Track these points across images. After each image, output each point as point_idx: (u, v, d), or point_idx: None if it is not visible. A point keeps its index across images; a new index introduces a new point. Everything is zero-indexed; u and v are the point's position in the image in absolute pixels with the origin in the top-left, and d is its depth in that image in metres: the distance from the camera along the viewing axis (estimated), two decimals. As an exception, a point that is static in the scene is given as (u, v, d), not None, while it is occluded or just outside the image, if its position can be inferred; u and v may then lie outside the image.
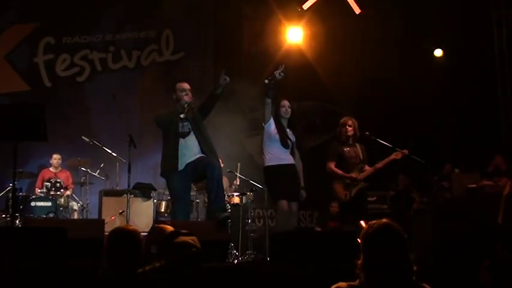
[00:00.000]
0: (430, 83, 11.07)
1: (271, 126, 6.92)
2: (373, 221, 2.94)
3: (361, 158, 7.57)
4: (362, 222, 3.35)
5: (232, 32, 11.98)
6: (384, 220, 2.91)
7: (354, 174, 7.46)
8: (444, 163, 10.12)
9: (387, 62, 10.76)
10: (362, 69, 11.04)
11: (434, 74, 11.20)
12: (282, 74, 6.56)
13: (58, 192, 9.38)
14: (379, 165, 7.56)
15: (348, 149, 7.58)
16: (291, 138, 7.00)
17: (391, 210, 9.98)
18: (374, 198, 9.83)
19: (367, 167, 7.56)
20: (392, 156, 7.57)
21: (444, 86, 11.21)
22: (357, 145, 7.66)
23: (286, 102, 7.01)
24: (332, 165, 7.56)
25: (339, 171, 7.49)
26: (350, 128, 7.57)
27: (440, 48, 11.62)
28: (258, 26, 11.86)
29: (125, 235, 3.39)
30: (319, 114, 12.64)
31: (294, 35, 10.93)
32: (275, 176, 6.83)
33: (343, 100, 11.85)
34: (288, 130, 7.00)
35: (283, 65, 6.55)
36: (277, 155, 6.87)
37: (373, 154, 7.86)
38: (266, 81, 6.74)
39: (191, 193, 7.56)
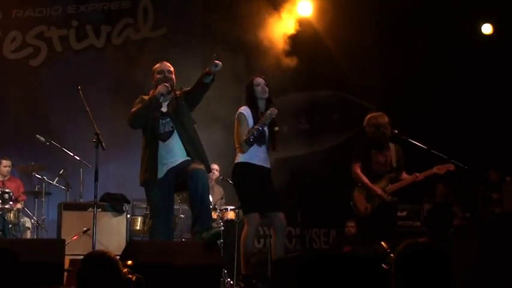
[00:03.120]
0: (474, 67, 11.14)
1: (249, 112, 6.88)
2: (409, 241, 2.96)
3: (394, 165, 7.65)
4: (383, 244, 3.37)
5: (227, 1, 12.00)
6: (423, 239, 2.92)
7: (379, 187, 7.57)
8: (489, 169, 10.22)
9: (420, 42, 10.83)
10: (389, 52, 11.12)
11: (481, 56, 11.27)
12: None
13: (6, 206, 9.36)
14: (416, 178, 7.64)
15: (377, 152, 7.68)
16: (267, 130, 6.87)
17: (427, 227, 10.07)
18: (404, 213, 9.91)
19: (405, 175, 7.69)
20: (434, 170, 7.68)
21: (492, 72, 11.27)
22: (392, 147, 7.74)
23: (261, 80, 6.90)
24: (358, 168, 7.65)
25: (364, 179, 7.59)
26: (371, 130, 7.67)
27: (489, 23, 11.67)
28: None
29: (103, 263, 3.39)
30: (338, 107, 12.72)
31: (304, 8, 11.07)
32: (251, 176, 6.74)
33: (366, 89, 11.93)
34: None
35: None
36: (257, 152, 6.79)
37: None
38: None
39: (175, 206, 7.61)
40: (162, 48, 11.59)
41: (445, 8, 11.25)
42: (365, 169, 7.63)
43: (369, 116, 7.79)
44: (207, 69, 6.35)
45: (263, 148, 6.79)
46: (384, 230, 7.18)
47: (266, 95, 6.87)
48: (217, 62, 6.29)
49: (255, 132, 6.64)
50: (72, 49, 11.98)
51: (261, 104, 6.87)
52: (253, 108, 6.81)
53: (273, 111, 6.66)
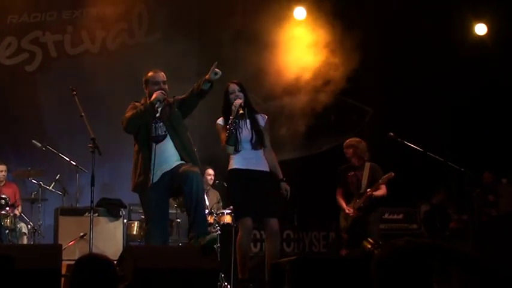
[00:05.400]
0: (469, 69, 11.15)
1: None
2: (387, 244, 2.99)
3: (364, 184, 8.47)
4: (366, 243, 3.40)
5: (221, 6, 12.00)
6: (398, 242, 2.92)
7: (347, 208, 8.58)
8: (484, 171, 10.25)
9: (417, 44, 10.86)
10: (385, 53, 11.15)
11: (475, 57, 11.29)
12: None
13: (3, 211, 9.40)
14: (370, 192, 8.48)
15: (352, 173, 8.63)
16: (249, 132, 6.86)
17: (425, 229, 10.16)
18: (400, 216, 10.00)
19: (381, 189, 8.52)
20: (380, 181, 8.46)
21: (487, 74, 11.29)
22: (366, 167, 8.54)
23: (235, 86, 6.88)
24: (337, 193, 8.76)
25: (339, 201, 8.71)
26: (349, 151, 8.62)
27: (483, 23, 11.68)
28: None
29: (97, 265, 3.38)
30: (335, 110, 12.73)
31: (299, 12, 11.21)
32: (241, 182, 6.78)
33: (364, 92, 11.96)
34: (242, 122, 6.83)
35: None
36: (245, 156, 6.81)
37: (399, 160, 8.05)
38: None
39: (171, 210, 7.62)
40: (156, 54, 11.59)
41: (440, 8, 11.29)
42: (345, 191, 8.70)
43: (346, 141, 8.77)
44: (207, 76, 6.40)
45: (248, 151, 6.80)
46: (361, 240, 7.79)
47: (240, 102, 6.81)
48: (217, 70, 6.36)
49: (230, 129, 6.67)
50: (67, 54, 11.98)
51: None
52: (228, 116, 6.80)
53: (236, 102, 6.71)
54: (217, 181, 9.94)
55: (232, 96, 6.84)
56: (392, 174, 8.35)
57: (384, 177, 8.36)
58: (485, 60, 11.25)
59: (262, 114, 7.06)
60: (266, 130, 6.99)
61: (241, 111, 6.68)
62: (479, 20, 11.65)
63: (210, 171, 10.08)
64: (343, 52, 11.43)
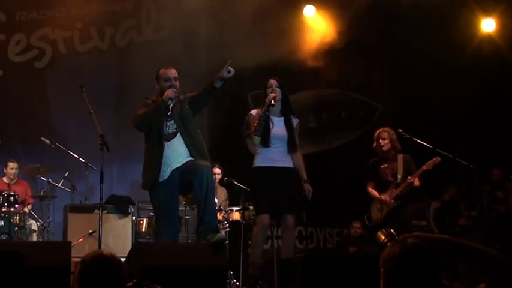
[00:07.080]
0: (478, 65, 11.11)
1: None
2: (396, 240, 2.98)
3: (399, 175, 8.07)
4: (381, 234, 3.38)
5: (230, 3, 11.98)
6: (407, 238, 2.92)
7: (384, 196, 8.11)
8: (493, 168, 10.22)
9: (425, 40, 10.84)
10: (394, 50, 11.13)
11: (484, 53, 11.25)
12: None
13: (12, 208, 9.36)
14: (411, 179, 8.06)
15: (385, 165, 8.20)
16: (281, 130, 6.96)
17: (435, 226, 10.16)
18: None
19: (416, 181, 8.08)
20: (424, 168, 8.04)
21: (496, 69, 11.26)
22: (399, 158, 8.13)
23: (273, 82, 6.97)
24: (368, 187, 8.29)
25: (373, 192, 8.21)
26: (385, 142, 8.14)
27: (491, 18, 11.61)
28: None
29: (103, 263, 3.35)
30: (345, 106, 12.74)
31: (309, 10, 11.27)
32: (264, 180, 6.85)
33: (374, 88, 11.96)
34: (276, 119, 6.96)
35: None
36: (269, 154, 6.90)
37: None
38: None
39: (180, 208, 7.64)
40: (165, 51, 11.58)
41: (448, 4, 11.26)
42: (377, 184, 8.22)
43: (379, 132, 8.29)
44: (220, 74, 6.39)
45: (274, 148, 6.88)
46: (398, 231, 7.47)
47: (277, 97, 6.90)
48: (230, 68, 6.35)
49: (260, 119, 6.74)
50: (76, 51, 11.99)
51: (271, 108, 6.90)
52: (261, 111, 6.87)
53: (270, 95, 6.80)
54: (225, 178, 9.94)
55: (268, 90, 6.93)
56: (439, 159, 8.01)
57: (429, 162, 8.01)
58: (495, 57, 11.21)
59: (295, 118, 7.14)
60: (297, 132, 7.09)
61: (272, 102, 6.76)
62: (488, 16, 11.57)
63: (217, 170, 10.08)
64: (353, 49, 11.44)
